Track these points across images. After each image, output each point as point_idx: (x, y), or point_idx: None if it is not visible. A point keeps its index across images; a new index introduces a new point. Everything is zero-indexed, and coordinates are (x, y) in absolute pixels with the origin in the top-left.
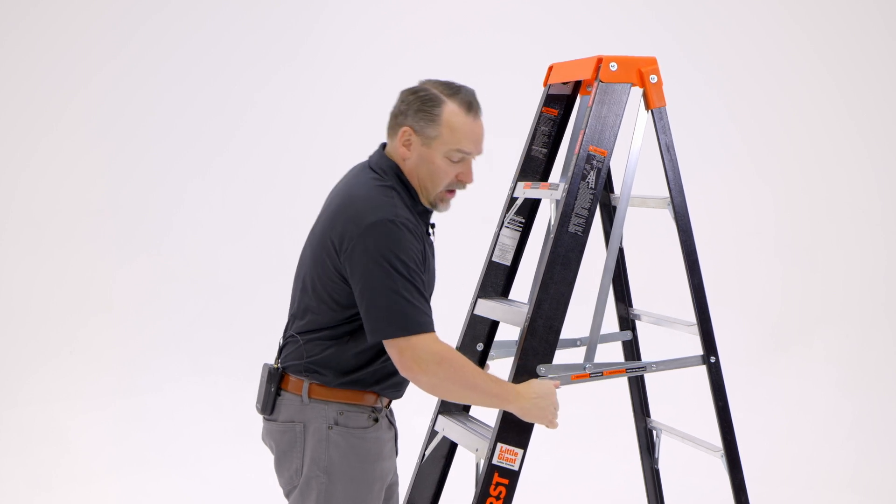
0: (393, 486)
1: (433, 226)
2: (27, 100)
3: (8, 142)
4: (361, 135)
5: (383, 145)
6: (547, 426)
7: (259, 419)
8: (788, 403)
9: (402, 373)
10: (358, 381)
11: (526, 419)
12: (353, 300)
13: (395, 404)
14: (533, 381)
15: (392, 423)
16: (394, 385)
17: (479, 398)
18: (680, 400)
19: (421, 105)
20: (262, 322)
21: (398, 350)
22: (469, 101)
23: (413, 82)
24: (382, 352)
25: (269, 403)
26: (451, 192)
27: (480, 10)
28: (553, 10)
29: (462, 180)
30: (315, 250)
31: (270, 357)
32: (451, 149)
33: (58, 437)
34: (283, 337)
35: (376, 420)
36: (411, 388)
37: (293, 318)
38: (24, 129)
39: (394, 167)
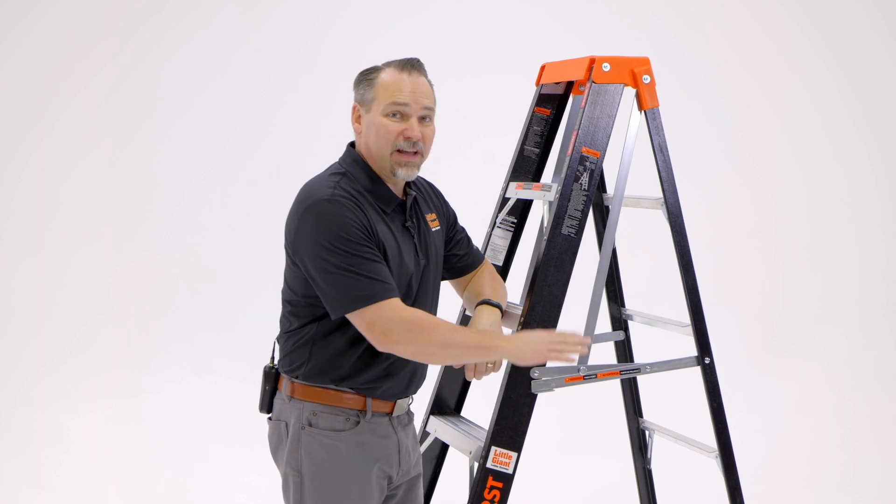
0: (410, 486)
1: (412, 215)
2: (27, 100)
3: (8, 141)
4: None
5: None
6: (558, 359)
7: (259, 419)
8: (788, 403)
9: (378, 347)
10: (331, 379)
11: (524, 363)
12: (310, 288)
13: None
14: (524, 331)
15: (394, 431)
16: (372, 382)
17: (463, 353)
18: (676, 399)
19: (361, 77)
20: (263, 322)
21: (366, 325)
22: (405, 62)
23: None
24: (347, 347)
25: (265, 402)
26: (402, 152)
27: (480, 10)
28: (553, 9)
29: (407, 136)
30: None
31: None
32: (387, 104)
33: (58, 437)
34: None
35: (357, 423)
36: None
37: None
38: (23, 129)
39: (353, 154)
